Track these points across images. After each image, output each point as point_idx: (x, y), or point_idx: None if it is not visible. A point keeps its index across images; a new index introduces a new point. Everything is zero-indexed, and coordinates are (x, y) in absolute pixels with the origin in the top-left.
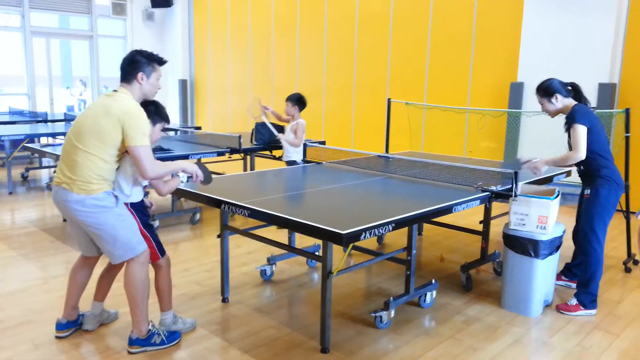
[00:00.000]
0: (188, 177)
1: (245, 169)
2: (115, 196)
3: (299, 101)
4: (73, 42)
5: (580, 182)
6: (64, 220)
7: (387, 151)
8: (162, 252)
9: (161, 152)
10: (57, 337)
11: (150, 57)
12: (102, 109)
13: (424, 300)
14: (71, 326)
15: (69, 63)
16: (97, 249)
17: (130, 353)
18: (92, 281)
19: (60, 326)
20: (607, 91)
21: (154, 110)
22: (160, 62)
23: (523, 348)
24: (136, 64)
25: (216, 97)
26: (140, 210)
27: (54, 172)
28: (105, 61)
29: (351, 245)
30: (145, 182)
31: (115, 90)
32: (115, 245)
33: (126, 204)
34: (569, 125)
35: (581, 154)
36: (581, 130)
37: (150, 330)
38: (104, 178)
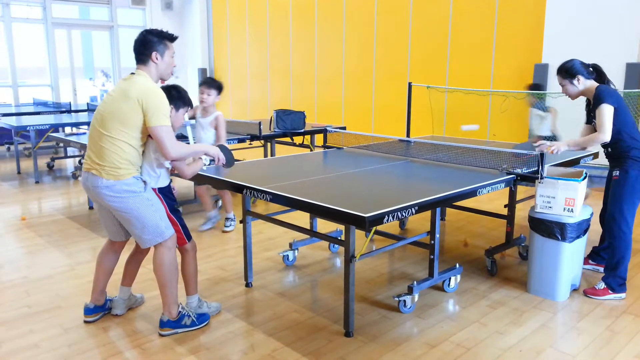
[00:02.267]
0: (210, 160)
1: (265, 156)
2: (144, 181)
3: (219, 88)
4: (94, 32)
5: (608, 164)
6: (90, 207)
7: (408, 135)
8: (189, 237)
9: (184, 140)
10: (85, 322)
11: (160, 34)
12: (121, 92)
13: (448, 284)
14: (99, 311)
15: (91, 54)
16: (124, 234)
17: (161, 335)
18: (119, 266)
19: (88, 311)
20: (635, 71)
21: (176, 95)
22: (172, 38)
23: (550, 332)
24: (148, 44)
25: (235, 84)
26: (167, 195)
27: (79, 161)
28: (126, 51)
29: (374, 229)
30: (169, 165)
31: (132, 74)
32: (144, 229)
33: (154, 189)
34: (594, 106)
35: (606, 135)
36: (608, 110)
37: (180, 312)
38: (132, 162)
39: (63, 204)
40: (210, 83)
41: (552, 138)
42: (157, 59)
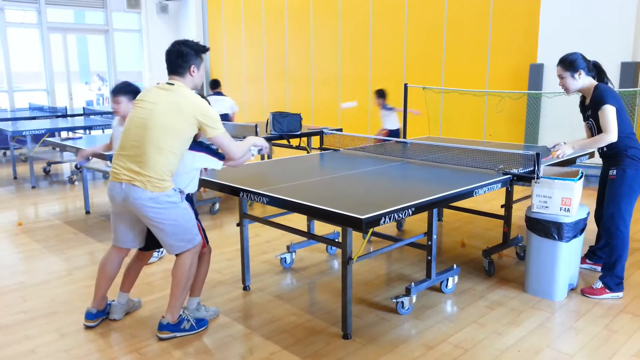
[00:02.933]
0: (258, 150)
1: (262, 158)
2: (181, 191)
3: (130, 92)
4: (89, 37)
5: (602, 163)
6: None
7: (404, 137)
8: (207, 241)
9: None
10: (86, 327)
11: (196, 47)
12: (172, 105)
13: (446, 285)
14: (100, 315)
15: (86, 58)
16: (139, 242)
17: (160, 339)
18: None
19: (89, 315)
20: (630, 70)
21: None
22: (205, 51)
23: (548, 332)
24: (186, 57)
25: (232, 87)
26: (190, 201)
27: (75, 165)
28: (121, 55)
29: (371, 230)
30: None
31: (170, 84)
32: (177, 237)
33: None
34: (596, 106)
35: (613, 136)
36: (612, 111)
37: (180, 315)
38: (172, 174)
39: (59, 208)
40: (117, 91)
41: (396, 133)
42: (194, 72)
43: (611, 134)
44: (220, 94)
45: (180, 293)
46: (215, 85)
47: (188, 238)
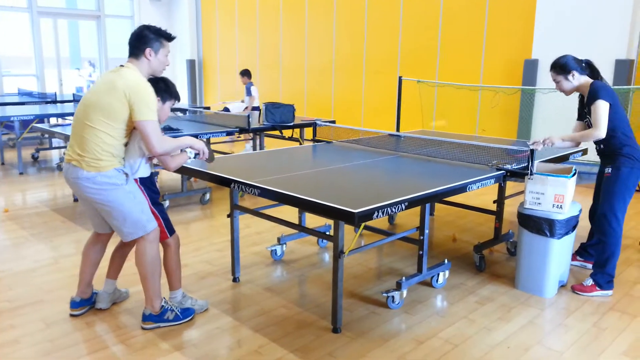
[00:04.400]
0: (195, 154)
1: (254, 149)
2: (126, 173)
3: None
4: (81, 22)
5: (599, 161)
6: (75, 200)
7: (398, 130)
8: (171, 231)
9: (170, 132)
10: (71, 315)
11: (158, 32)
12: (107, 84)
13: (437, 280)
14: (85, 304)
15: (77, 44)
16: (109, 226)
17: (144, 329)
18: (104, 259)
19: (74, 304)
20: (624, 68)
21: (163, 88)
22: (169, 37)
23: (538, 329)
24: (144, 39)
25: (224, 76)
26: (149, 187)
27: (64, 153)
28: (113, 41)
29: (363, 224)
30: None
31: (121, 66)
32: (125, 223)
33: (135, 180)
34: (590, 102)
35: (601, 131)
36: (603, 107)
37: (163, 306)
38: (113, 155)
39: (48, 196)
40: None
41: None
42: (150, 55)
43: (599, 130)
44: (252, 83)
45: (148, 282)
46: (249, 75)
47: (138, 224)
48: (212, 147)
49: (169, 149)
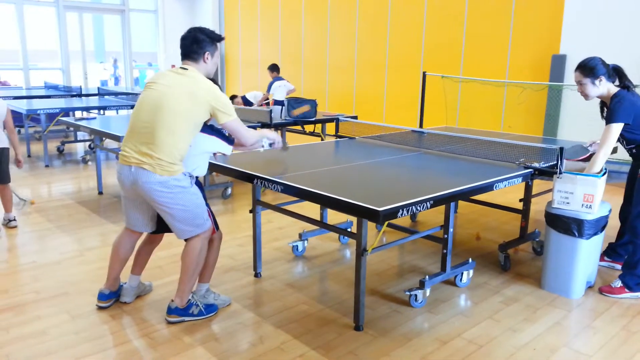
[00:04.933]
0: (270, 144)
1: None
2: (191, 176)
3: None
4: (105, 16)
5: (629, 159)
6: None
7: (421, 126)
8: (217, 226)
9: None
10: (98, 307)
11: (212, 36)
12: (184, 89)
13: (460, 279)
14: (112, 297)
15: (102, 37)
16: (151, 227)
17: (169, 322)
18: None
19: (102, 296)
20: None
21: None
22: (220, 39)
23: (565, 331)
24: (201, 44)
25: (246, 70)
26: (200, 186)
27: (89, 145)
28: (137, 36)
29: (386, 222)
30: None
31: (184, 68)
32: (186, 222)
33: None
34: (607, 120)
35: (608, 152)
36: (616, 130)
37: (189, 300)
38: (182, 158)
39: (73, 188)
40: None
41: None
42: (208, 58)
43: (604, 150)
44: (281, 78)
45: (188, 278)
46: (277, 69)
47: (197, 223)
48: None
49: (256, 138)
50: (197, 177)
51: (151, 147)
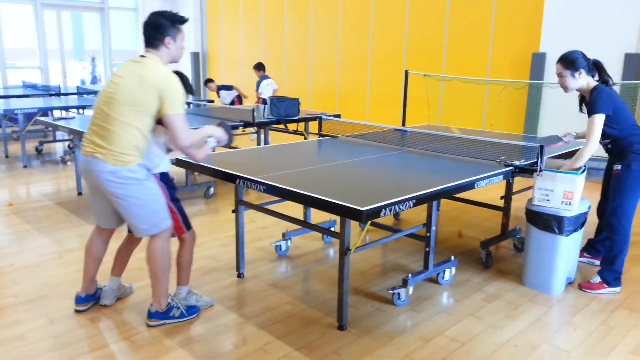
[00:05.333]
0: (216, 141)
1: (259, 143)
2: (148, 169)
3: None
4: (85, 14)
5: (603, 156)
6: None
7: (403, 124)
8: (188, 226)
9: None
10: (76, 311)
11: (173, 18)
12: (136, 77)
13: (443, 277)
14: (90, 299)
15: (81, 36)
16: (116, 222)
17: (149, 326)
18: (109, 254)
19: (79, 300)
20: (633, 62)
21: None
22: (183, 21)
23: (545, 327)
24: (161, 28)
25: (228, 70)
26: (168, 183)
27: (69, 145)
28: (117, 34)
29: (369, 222)
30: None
31: (142, 56)
32: (141, 219)
33: (156, 176)
34: (588, 112)
35: (594, 145)
36: (599, 121)
37: (169, 303)
38: (139, 149)
39: (51, 189)
40: None
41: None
42: (169, 43)
43: (592, 143)
44: (268, 77)
45: (158, 281)
46: (263, 68)
47: (155, 221)
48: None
49: (194, 141)
50: (165, 173)
51: (104, 138)
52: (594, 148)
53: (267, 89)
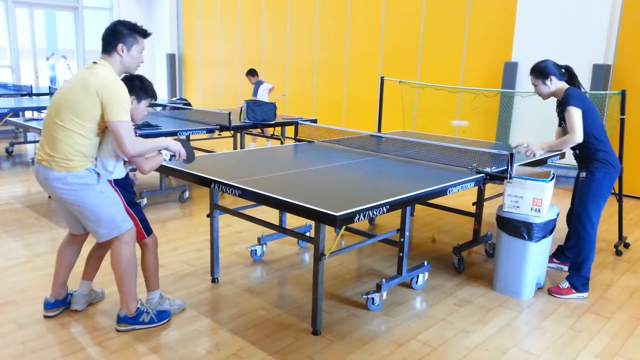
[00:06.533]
0: (171, 156)
1: (235, 147)
2: (97, 173)
3: None
4: (58, 13)
5: (576, 164)
6: (50, 197)
7: (379, 130)
8: (149, 231)
9: (149, 129)
10: (45, 317)
11: (133, 28)
12: (80, 82)
13: (416, 282)
14: (59, 305)
15: (54, 35)
16: (83, 227)
17: (118, 331)
18: (80, 259)
19: (48, 305)
20: (601, 72)
21: (139, 86)
22: (144, 34)
23: (515, 331)
24: (117, 35)
25: (205, 72)
26: (124, 187)
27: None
28: (90, 34)
29: (344, 227)
30: (126, 158)
31: (95, 62)
32: (98, 223)
33: (110, 181)
34: (563, 108)
35: (578, 137)
36: (576, 113)
37: (139, 308)
38: (85, 155)
39: (22, 191)
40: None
41: None
42: (122, 51)
43: (575, 135)
44: (262, 82)
45: (124, 286)
46: (257, 73)
47: (112, 225)
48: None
49: (143, 150)
50: (121, 179)
51: (48, 143)
52: (575, 140)
53: (265, 94)
